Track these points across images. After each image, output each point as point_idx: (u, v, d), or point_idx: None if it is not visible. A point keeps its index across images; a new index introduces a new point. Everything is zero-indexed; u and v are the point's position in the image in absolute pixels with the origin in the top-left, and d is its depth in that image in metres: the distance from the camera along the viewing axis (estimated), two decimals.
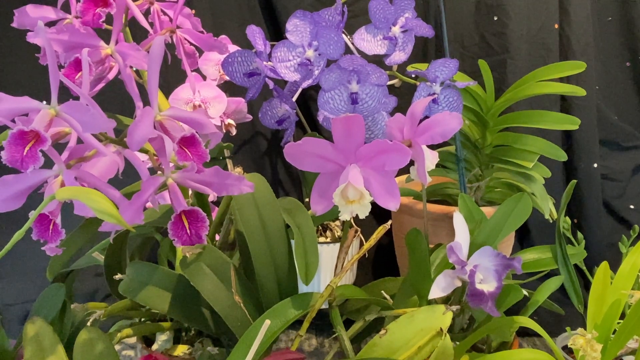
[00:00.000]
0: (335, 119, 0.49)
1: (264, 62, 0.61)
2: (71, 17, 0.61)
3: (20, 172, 0.44)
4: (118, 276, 0.59)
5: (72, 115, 0.45)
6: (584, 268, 0.77)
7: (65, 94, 0.48)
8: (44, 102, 0.46)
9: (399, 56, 0.61)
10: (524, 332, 0.90)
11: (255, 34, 0.61)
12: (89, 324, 0.56)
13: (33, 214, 0.43)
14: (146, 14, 0.66)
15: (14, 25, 0.60)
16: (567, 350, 0.71)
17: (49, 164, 0.47)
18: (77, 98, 0.48)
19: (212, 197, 0.73)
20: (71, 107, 0.45)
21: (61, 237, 0.46)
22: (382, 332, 0.53)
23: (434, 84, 0.61)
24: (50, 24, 0.60)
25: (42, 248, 0.48)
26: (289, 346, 0.72)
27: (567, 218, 0.73)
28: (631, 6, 1.07)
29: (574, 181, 0.70)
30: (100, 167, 0.52)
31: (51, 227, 0.47)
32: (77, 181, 0.47)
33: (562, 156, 0.78)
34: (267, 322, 0.48)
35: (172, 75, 0.90)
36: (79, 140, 0.48)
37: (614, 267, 0.75)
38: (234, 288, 0.57)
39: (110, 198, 0.48)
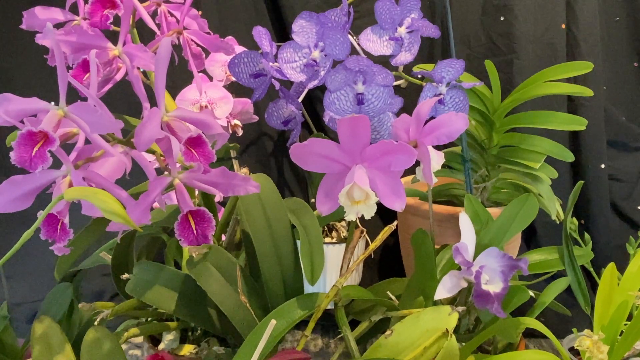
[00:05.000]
0: (341, 119, 0.50)
1: (270, 63, 0.61)
2: (79, 19, 0.61)
3: (29, 172, 0.44)
4: (125, 276, 0.59)
5: (80, 116, 0.45)
6: (591, 269, 0.77)
7: (74, 95, 0.49)
8: (52, 103, 0.47)
9: (405, 57, 0.61)
10: (530, 334, 0.89)
11: (262, 34, 0.61)
12: (96, 323, 0.57)
13: (42, 214, 0.44)
14: (153, 15, 0.66)
15: (22, 27, 0.60)
16: (574, 351, 0.71)
17: (57, 164, 0.47)
18: (85, 99, 0.48)
19: (218, 197, 0.74)
20: (79, 108, 0.46)
21: (69, 237, 0.47)
22: (388, 332, 0.53)
23: (440, 84, 0.60)
24: (59, 25, 0.60)
25: (50, 248, 0.48)
26: (294, 346, 0.72)
27: (574, 219, 0.73)
28: (638, 6, 1.07)
29: (581, 182, 0.70)
30: (107, 168, 0.52)
31: (59, 227, 0.47)
32: (85, 181, 0.48)
33: (569, 157, 0.77)
34: (273, 322, 0.48)
35: (179, 76, 0.90)
36: (87, 141, 0.49)
37: (622, 268, 0.75)
38: (240, 288, 0.57)
39: (118, 198, 0.48)
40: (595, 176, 1.01)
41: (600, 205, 1.00)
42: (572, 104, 1.02)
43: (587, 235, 0.74)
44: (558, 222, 0.79)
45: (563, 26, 1.01)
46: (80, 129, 0.47)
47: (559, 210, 0.79)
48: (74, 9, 0.62)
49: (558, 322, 0.90)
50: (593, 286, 0.90)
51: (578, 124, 0.77)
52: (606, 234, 1.00)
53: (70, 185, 0.47)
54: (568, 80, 0.91)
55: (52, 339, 0.54)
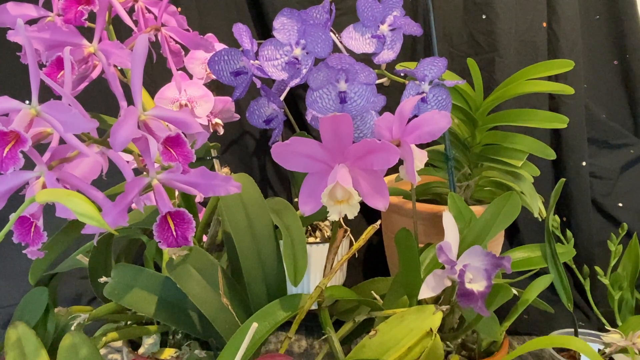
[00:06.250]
0: (323, 118, 0.49)
1: (251, 61, 0.60)
2: (53, 15, 0.59)
3: (0, 173, 0.43)
4: (103, 279, 0.58)
5: (53, 115, 0.44)
6: (574, 266, 0.77)
7: (50, 94, 0.47)
8: (27, 102, 0.45)
9: (387, 55, 0.61)
10: (514, 331, 0.90)
11: (242, 32, 0.60)
12: (73, 328, 0.55)
13: (13, 217, 0.42)
14: (130, 11, 0.65)
15: None
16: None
17: (31, 165, 0.46)
18: (59, 97, 0.47)
19: (199, 197, 0.72)
20: (52, 107, 0.44)
21: (43, 240, 0.45)
22: (372, 333, 0.52)
23: (423, 82, 0.60)
24: (32, 22, 0.59)
25: (24, 251, 0.47)
26: (278, 348, 0.71)
27: (556, 216, 0.73)
28: (618, 4, 1.08)
29: (563, 179, 0.70)
30: (83, 168, 0.51)
31: (32, 229, 0.45)
32: (59, 182, 0.46)
33: (551, 154, 0.78)
34: (255, 324, 0.47)
35: (158, 74, 0.89)
36: (62, 141, 0.47)
37: (604, 265, 0.75)
38: (221, 290, 0.56)
39: (93, 200, 0.47)
40: (576, 173, 1.02)
41: (581, 202, 1.01)
42: (553, 102, 1.03)
43: (569, 233, 0.74)
44: (540, 220, 0.79)
45: (544, 24, 1.01)
46: (54, 129, 0.45)
47: (541, 207, 0.80)
48: (48, 5, 0.60)
49: (541, 320, 0.91)
50: (575, 283, 0.91)
51: (559, 121, 0.77)
52: (588, 231, 1.01)
53: (44, 186, 0.46)
54: (549, 78, 0.92)
55: (26, 345, 0.53)
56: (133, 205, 0.50)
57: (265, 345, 0.72)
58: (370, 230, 0.57)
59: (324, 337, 0.56)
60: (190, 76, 0.78)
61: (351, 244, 0.83)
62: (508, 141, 0.80)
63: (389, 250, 0.91)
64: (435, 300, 0.60)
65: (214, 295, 0.56)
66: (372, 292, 0.65)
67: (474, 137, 0.83)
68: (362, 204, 0.51)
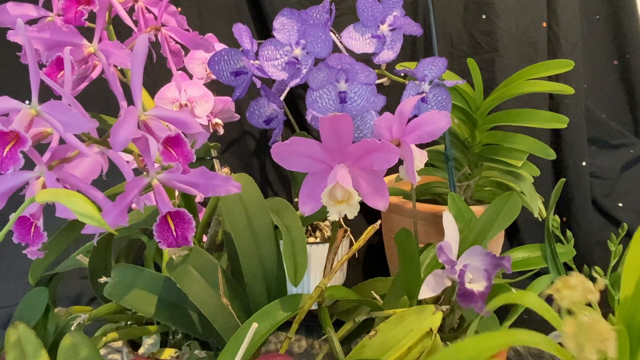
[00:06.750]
0: (323, 118, 0.49)
1: (251, 61, 0.60)
2: (53, 15, 0.59)
3: (0, 173, 0.43)
4: (103, 279, 0.58)
5: (53, 115, 0.44)
6: (574, 266, 0.77)
7: (50, 94, 0.47)
8: (27, 102, 0.45)
9: (387, 55, 0.61)
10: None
11: (242, 32, 0.60)
12: (73, 328, 0.55)
13: (13, 217, 0.42)
14: (130, 11, 0.65)
15: None
16: None
17: (31, 165, 0.46)
18: (59, 98, 0.47)
19: (199, 197, 0.72)
20: (52, 107, 0.44)
21: (43, 240, 0.45)
22: (372, 333, 0.52)
23: (423, 82, 0.60)
24: (32, 22, 0.59)
25: (24, 251, 0.47)
26: (278, 348, 0.71)
27: (556, 216, 0.73)
28: (618, 4, 1.08)
29: (563, 179, 0.70)
30: (83, 168, 0.51)
31: (32, 229, 0.45)
32: (59, 182, 0.46)
33: (551, 154, 0.78)
34: (255, 324, 0.47)
35: (158, 74, 0.89)
36: (62, 141, 0.47)
37: (604, 266, 0.75)
38: (221, 290, 0.56)
39: (93, 200, 0.47)
40: (576, 173, 1.02)
41: (581, 202, 1.01)
42: (553, 102, 1.03)
43: (569, 233, 0.74)
44: (540, 220, 0.79)
45: (544, 24, 1.01)
46: (54, 129, 0.45)
47: (541, 207, 0.80)
48: (48, 5, 0.60)
49: (541, 320, 0.90)
50: None
51: (559, 121, 0.77)
52: (588, 231, 1.01)
53: (44, 186, 0.46)
54: (549, 78, 0.92)
55: (26, 345, 0.53)
56: (133, 205, 0.50)
57: (265, 345, 0.72)
58: (370, 230, 0.57)
59: (324, 337, 0.56)
60: (190, 76, 0.78)
61: (351, 244, 0.83)
62: (508, 141, 0.80)
63: (389, 250, 0.91)
64: (435, 300, 0.60)
65: (214, 295, 0.56)
66: (372, 292, 0.65)
67: (474, 137, 0.83)
68: (362, 204, 0.51)
